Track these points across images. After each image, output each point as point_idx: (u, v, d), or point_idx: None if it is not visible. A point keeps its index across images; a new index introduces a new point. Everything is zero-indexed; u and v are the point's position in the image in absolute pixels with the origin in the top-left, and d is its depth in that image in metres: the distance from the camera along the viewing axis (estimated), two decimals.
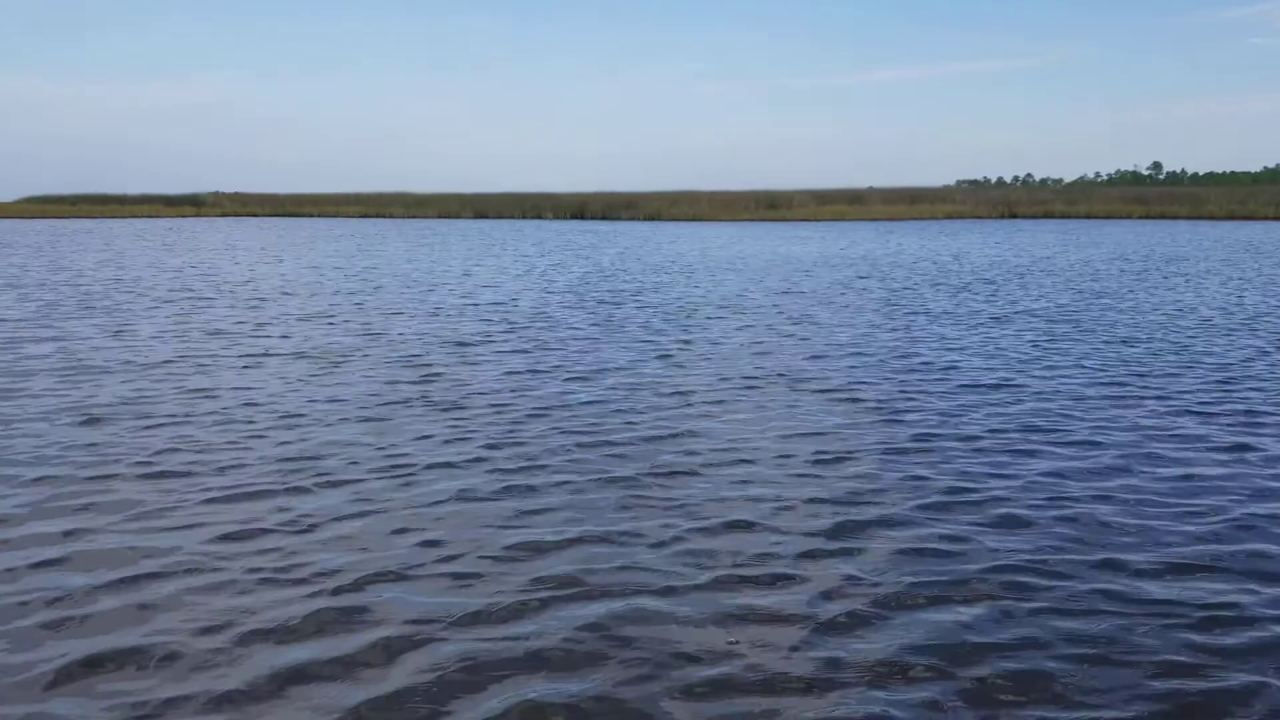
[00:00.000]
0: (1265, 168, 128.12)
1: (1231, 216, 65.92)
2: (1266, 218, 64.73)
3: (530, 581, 4.97)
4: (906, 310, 16.31)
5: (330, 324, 14.58)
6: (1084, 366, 11.11)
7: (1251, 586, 4.95)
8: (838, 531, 5.74)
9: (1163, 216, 67.33)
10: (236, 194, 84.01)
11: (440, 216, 72.63)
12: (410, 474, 6.86)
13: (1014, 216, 66.63)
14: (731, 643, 4.31)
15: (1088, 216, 67.07)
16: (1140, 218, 66.75)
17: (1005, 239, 39.18)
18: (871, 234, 43.99)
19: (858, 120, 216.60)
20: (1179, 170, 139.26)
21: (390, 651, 4.19)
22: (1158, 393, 9.68)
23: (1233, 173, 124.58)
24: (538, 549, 5.42)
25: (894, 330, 13.97)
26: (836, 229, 49.41)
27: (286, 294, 18.93)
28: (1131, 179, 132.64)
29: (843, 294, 18.93)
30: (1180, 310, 16.19)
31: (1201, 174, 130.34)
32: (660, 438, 7.89)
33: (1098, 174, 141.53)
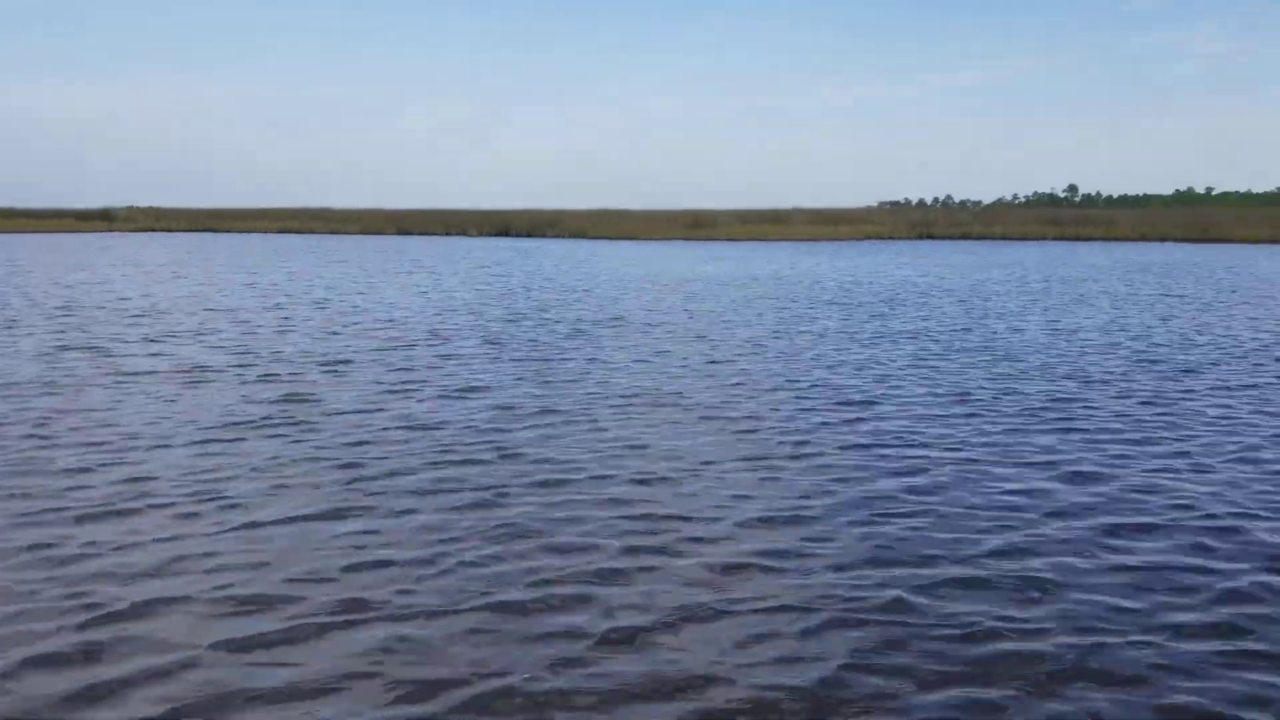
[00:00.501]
0: (1176, 190, 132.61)
1: (1142, 238, 67.88)
2: (1174, 239, 66.84)
3: (316, 606, 4.91)
4: (797, 329, 16.50)
5: (209, 342, 14.30)
6: (951, 384, 11.32)
7: (1009, 610, 5.08)
8: (648, 551, 5.77)
9: (1076, 238, 69.04)
10: (151, 208, 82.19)
11: (363, 233, 71.83)
12: (236, 497, 6.74)
13: (931, 237, 67.87)
14: (516, 667, 4.29)
15: (1003, 238, 68.57)
16: (1054, 239, 68.40)
17: (915, 260, 39.89)
18: (789, 254, 44.48)
19: (786, 141, 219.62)
20: (1094, 193, 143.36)
21: (147, 678, 4.11)
22: (1012, 409, 9.90)
23: (1145, 195, 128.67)
24: (345, 570, 5.36)
25: (779, 349, 14.11)
26: (757, 248, 49.88)
27: (168, 311, 18.54)
28: (1048, 201, 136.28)
29: (741, 313, 19.09)
30: (1062, 330, 16.60)
31: (1115, 196, 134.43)
32: (507, 458, 7.88)
33: (1015, 196, 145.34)
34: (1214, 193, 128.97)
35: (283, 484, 7.06)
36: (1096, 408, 10.10)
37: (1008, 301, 21.78)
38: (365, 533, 6.03)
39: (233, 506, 6.52)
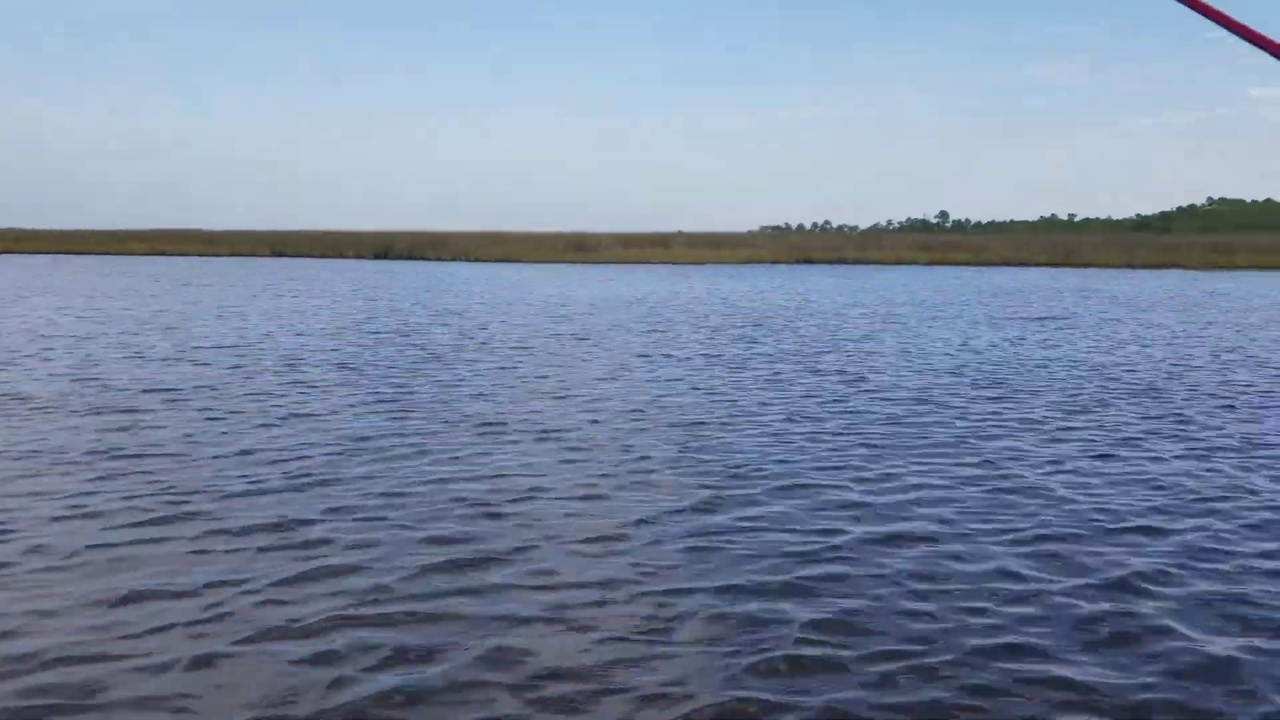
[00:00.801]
0: (1041, 217, 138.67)
1: (1007, 263, 70.45)
2: (1039, 264, 69.63)
3: (110, 636, 4.67)
4: (652, 353, 16.58)
5: (35, 370, 13.61)
6: (798, 406, 11.50)
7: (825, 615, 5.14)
8: (420, 575, 5.67)
9: (946, 263, 71.30)
10: (7, 229, 78.41)
11: (235, 254, 69.75)
12: (15, 529, 6.40)
13: (810, 261, 69.31)
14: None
15: (877, 262, 70.40)
16: (926, 263, 70.56)
17: (790, 283, 40.64)
18: (668, 277, 44.85)
19: (669, 165, 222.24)
20: (964, 219, 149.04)
21: None
22: (845, 427, 10.09)
23: (1012, 221, 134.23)
24: (144, 599, 5.12)
25: (639, 373, 14.15)
26: (638, 271, 50.16)
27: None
28: (921, 227, 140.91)
29: (609, 336, 19.10)
30: (914, 351, 17.07)
31: (984, 222, 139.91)
32: (312, 485, 7.69)
33: (890, 221, 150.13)
34: (1076, 219, 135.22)
35: (63, 515, 6.73)
36: (929, 424, 10.38)
37: (869, 324, 22.32)
38: (167, 564, 5.78)
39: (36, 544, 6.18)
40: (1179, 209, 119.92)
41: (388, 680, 4.43)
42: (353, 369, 14.09)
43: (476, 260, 62.49)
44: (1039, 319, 24.09)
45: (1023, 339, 19.40)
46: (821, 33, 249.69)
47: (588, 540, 6.47)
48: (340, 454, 8.79)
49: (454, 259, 63.97)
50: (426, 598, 5.42)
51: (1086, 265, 63.38)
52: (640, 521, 6.90)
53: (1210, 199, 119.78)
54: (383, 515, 6.95)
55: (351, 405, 11.23)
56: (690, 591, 5.58)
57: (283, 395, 11.86)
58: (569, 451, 9.08)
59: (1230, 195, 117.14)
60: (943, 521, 7.00)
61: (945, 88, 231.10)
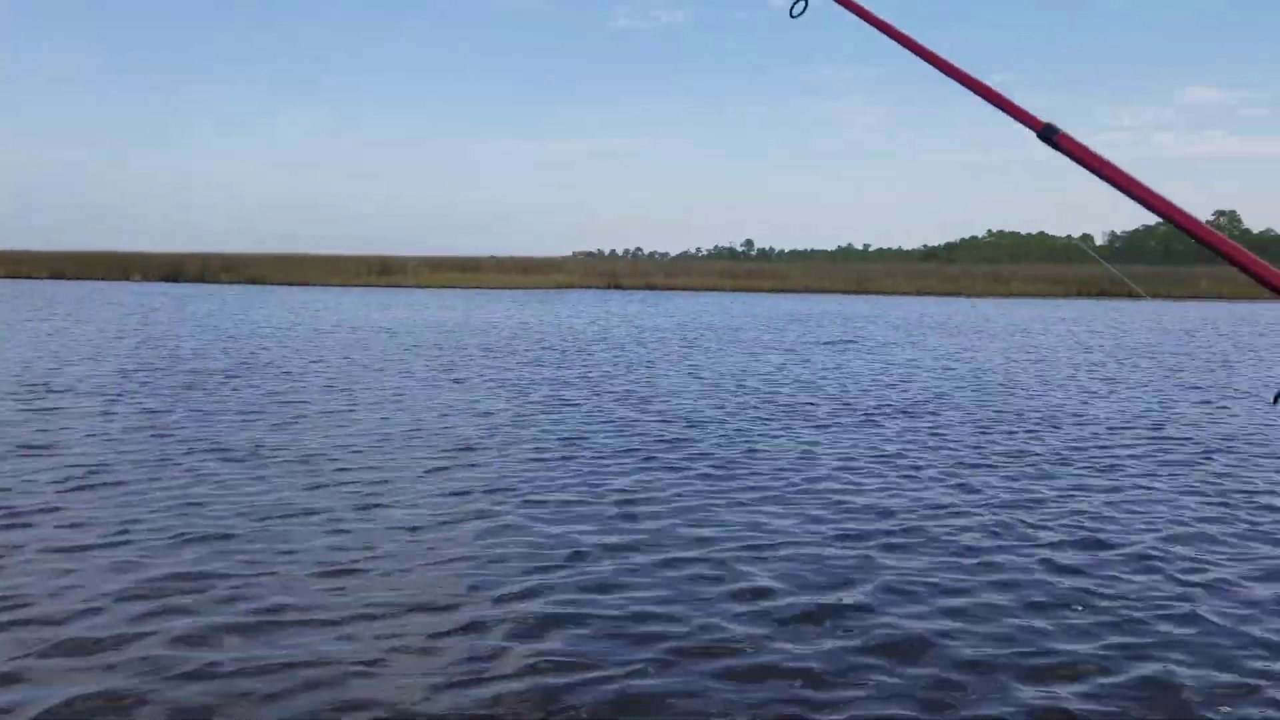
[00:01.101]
0: (839, 246, 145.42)
1: (808, 290, 73.35)
2: (836, 291, 72.74)
3: None
4: (436, 377, 16.27)
5: None
6: (569, 430, 11.46)
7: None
8: (117, 615, 5.30)
9: (750, 289, 73.52)
10: None
11: (8, 276, 64.63)
12: None
13: (619, 287, 70.16)
14: None
15: (686, 289, 71.93)
16: (732, 290, 72.58)
17: (593, 308, 40.93)
18: (474, 301, 44.35)
19: (481, 188, 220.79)
20: (769, 248, 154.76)
21: None
22: (614, 450, 10.12)
23: (813, 250, 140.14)
24: None
25: (402, 397, 13.81)
26: (444, 296, 49.39)
27: None
28: (728, 255, 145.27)
29: (391, 362, 18.62)
30: (703, 374, 17.39)
31: (788, 251, 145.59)
32: (27, 517, 7.10)
33: (699, 249, 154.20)
34: (870, 249, 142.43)
35: None
36: (699, 442, 10.55)
37: (665, 348, 22.64)
38: None
39: None
40: (962, 240, 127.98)
41: None
42: (108, 396, 13.17)
43: (274, 284, 60.10)
44: (826, 343, 25.06)
45: (808, 360, 20.10)
46: (643, 64, 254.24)
47: (324, 572, 6.18)
48: (70, 486, 8.14)
49: (250, 282, 61.34)
50: (130, 640, 5.03)
51: (879, 293, 66.63)
52: (387, 545, 6.66)
53: (990, 231, 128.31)
54: (102, 547, 6.44)
55: (95, 434, 10.47)
56: (423, 615, 5.40)
57: (23, 424, 10.97)
58: (323, 478, 8.72)
59: (1008, 228, 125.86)
60: (688, 538, 7.07)
61: (756, 121, 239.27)
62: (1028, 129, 2.43)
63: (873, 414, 13.11)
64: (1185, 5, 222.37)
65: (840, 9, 3.03)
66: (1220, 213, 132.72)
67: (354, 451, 9.96)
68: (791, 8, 3.23)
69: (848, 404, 14.03)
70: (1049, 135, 2.14)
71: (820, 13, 3.17)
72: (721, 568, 6.43)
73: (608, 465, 9.54)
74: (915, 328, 31.45)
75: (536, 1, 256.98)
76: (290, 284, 59.59)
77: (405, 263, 68.56)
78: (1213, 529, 7.64)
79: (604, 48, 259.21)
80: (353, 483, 8.58)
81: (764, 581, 6.18)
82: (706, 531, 7.28)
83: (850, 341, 25.54)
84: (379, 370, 17.08)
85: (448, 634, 5.22)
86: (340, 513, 7.58)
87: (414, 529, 7.18)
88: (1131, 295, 55.70)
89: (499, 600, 5.74)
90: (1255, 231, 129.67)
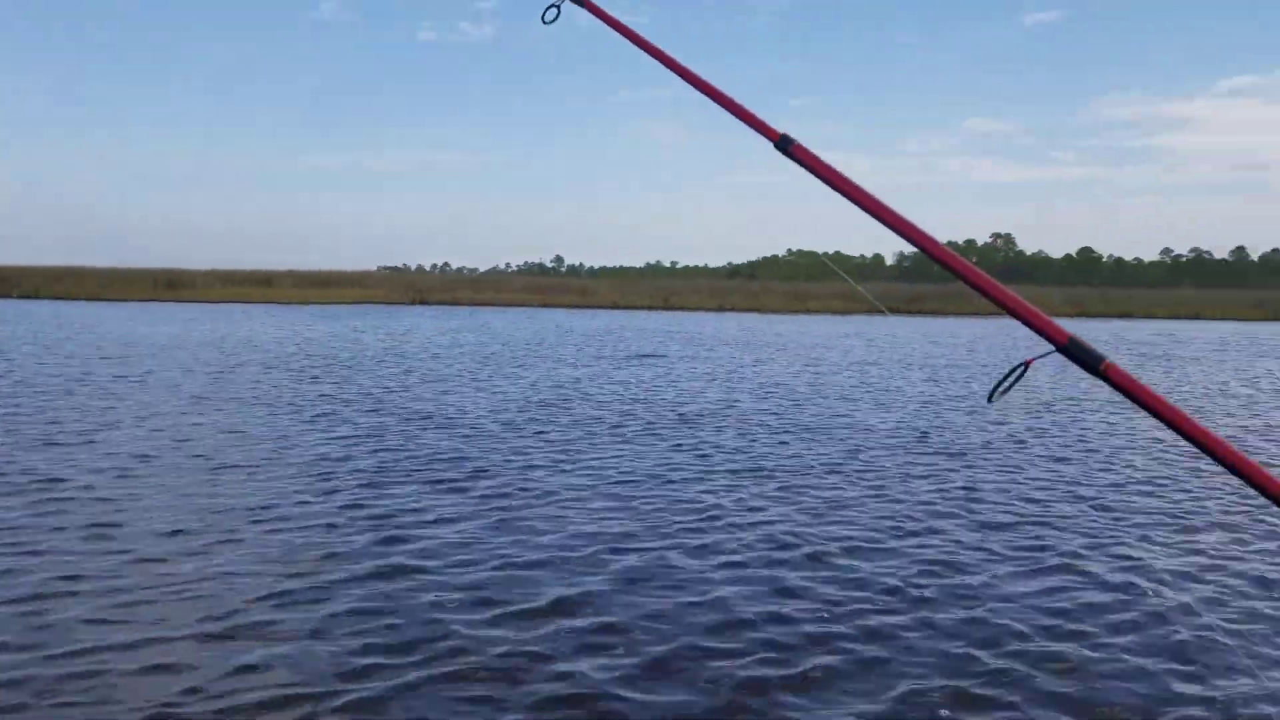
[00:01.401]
0: (647, 263, 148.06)
1: (615, 305, 74.18)
2: (643, 307, 73.88)
3: None
4: (206, 395, 15.48)
5: None
6: (322, 446, 11.09)
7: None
8: None
9: (558, 305, 73.72)
10: None
11: None
12: None
13: (425, 303, 69.00)
14: None
15: (493, 304, 71.44)
16: (540, 305, 72.59)
17: (390, 323, 40.03)
18: (265, 316, 42.56)
19: (286, 202, 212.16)
20: (578, 264, 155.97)
21: None
22: (374, 467, 9.85)
23: (622, 267, 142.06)
24: None
25: (160, 416, 13.06)
26: (237, 311, 47.18)
27: None
28: (538, 270, 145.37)
29: (159, 379, 17.59)
30: (485, 390, 17.21)
31: (597, 267, 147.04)
32: None
33: (509, 265, 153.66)
34: (679, 266, 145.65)
35: None
36: (467, 456, 10.41)
37: (460, 364, 22.31)
38: None
39: None
40: (764, 259, 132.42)
41: None
42: None
43: (47, 298, 55.95)
44: (625, 358, 25.31)
45: (600, 375, 20.22)
46: (451, 78, 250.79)
47: (33, 596, 5.71)
48: None
49: (22, 296, 56.89)
50: None
51: (684, 309, 68.03)
52: (102, 567, 6.22)
53: (790, 250, 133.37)
54: None
55: None
56: (131, 646, 5.06)
57: None
58: (61, 502, 8.10)
59: (806, 248, 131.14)
60: (424, 552, 6.93)
61: (568, 138, 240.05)
62: (765, 139, 2.47)
63: (654, 426, 13.29)
64: (969, 40, 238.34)
65: (595, 19, 3.10)
66: (997, 234, 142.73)
67: (98, 472, 9.31)
68: (544, 13, 3.30)
69: (634, 416, 14.17)
70: (785, 146, 2.19)
71: (572, 17, 3.26)
72: (478, 584, 6.34)
73: (376, 484, 9.27)
74: (711, 342, 32.22)
75: (342, 11, 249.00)
76: (70, 298, 55.62)
77: (195, 276, 65.24)
78: (942, 523, 8.10)
79: (411, 60, 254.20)
80: (96, 503, 8.00)
81: (489, 593, 6.13)
82: (466, 554, 7.16)
83: (647, 356, 25.90)
84: (141, 387, 16.08)
85: (162, 666, 4.91)
86: (71, 536, 7.04)
87: (146, 552, 6.74)
88: (874, 311, 59.36)
89: (231, 620, 5.45)
90: (1029, 253, 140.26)
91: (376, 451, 10.93)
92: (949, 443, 12.49)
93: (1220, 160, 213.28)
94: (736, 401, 16.37)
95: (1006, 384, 1.90)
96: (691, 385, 18.84)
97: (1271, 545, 7.77)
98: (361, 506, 8.33)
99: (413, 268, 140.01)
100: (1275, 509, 1.25)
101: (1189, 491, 9.72)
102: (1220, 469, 1.29)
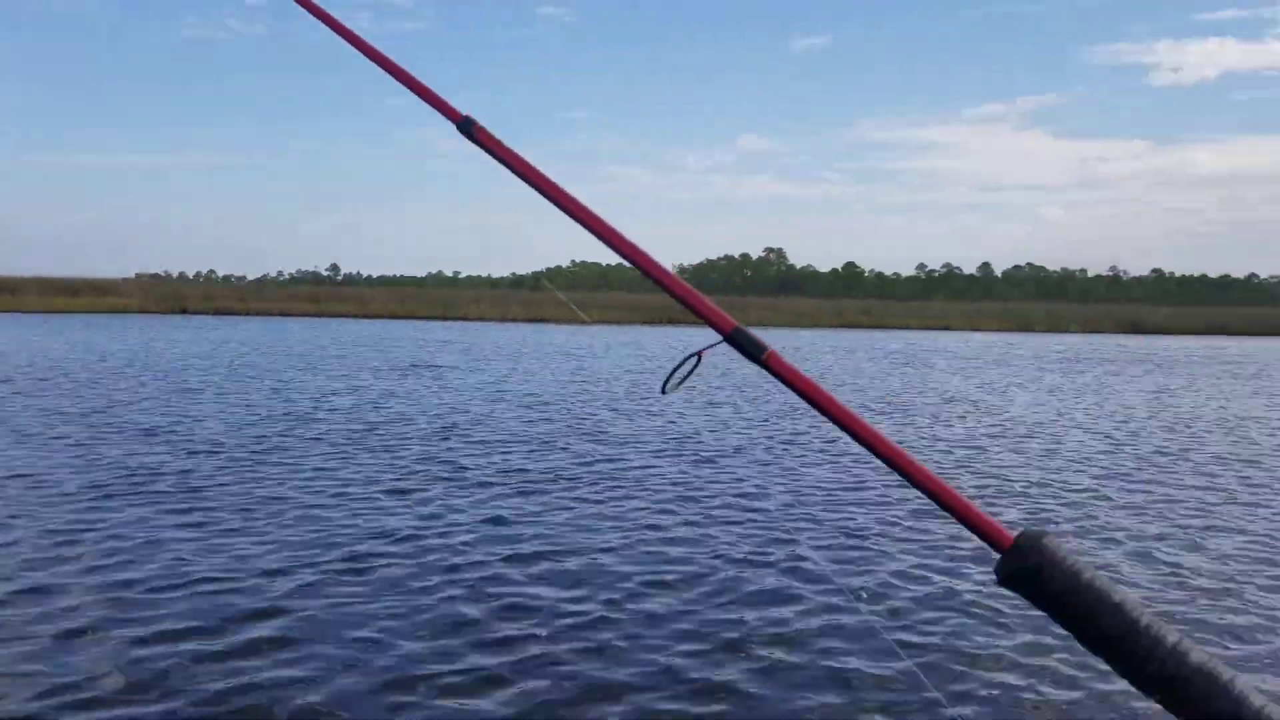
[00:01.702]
0: (429, 273, 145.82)
1: (393, 315, 72.57)
2: (422, 317, 72.61)
3: None
4: None
5: None
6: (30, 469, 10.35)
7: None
8: None
9: (332, 314, 71.41)
10: None
11: None
12: None
13: (185, 312, 65.34)
14: None
15: (262, 314, 68.43)
16: (314, 315, 70.06)
17: (141, 334, 37.71)
18: None
19: (33, 201, 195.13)
20: (355, 273, 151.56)
21: None
22: (84, 484, 9.27)
23: (402, 276, 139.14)
24: None
25: None
26: None
27: None
28: (312, 279, 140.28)
29: None
30: (234, 401, 16.48)
31: (375, 276, 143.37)
32: None
33: (281, 273, 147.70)
34: (461, 276, 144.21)
35: None
36: (190, 471, 9.96)
37: (206, 378, 21.24)
38: None
39: None
40: (548, 269, 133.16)
41: None
42: None
43: None
44: (391, 369, 24.79)
45: (359, 388, 19.74)
46: (219, 77, 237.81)
47: None
48: None
49: None
50: None
51: (464, 319, 67.46)
52: None
53: (574, 261, 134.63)
54: None
55: None
56: None
57: None
58: None
59: (590, 260, 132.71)
60: (142, 582, 6.59)
61: (345, 145, 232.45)
62: (450, 121, 2.48)
63: (389, 441, 13.04)
64: (744, 61, 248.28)
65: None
66: (769, 249, 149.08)
67: None
68: None
69: (375, 429, 13.91)
70: (467, 128, 2.20)
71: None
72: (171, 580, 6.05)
73: (83, 497, 8.70)
74: (485, 353, 32.03)
75: (98, 3, 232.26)
76: None
77: None
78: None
79: (174, 57, 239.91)
80: None
81: (178, 615, 5.90)
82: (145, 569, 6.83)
83: (415, 366, 25.47)
84: None
85: None
86: None
87: None
88: (575, 320, 61.24)
89: None
90: (799, 267, 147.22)
91: (94, 470, 10.26)
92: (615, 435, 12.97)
93: (969, 182, 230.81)
94: (490, 411, 16.38)
95: (680, 375, 1.91)
96: (452, 397, 18.68)
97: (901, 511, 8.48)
98: (78, 526, 7.80)
99: (175, 275, 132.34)
100: (910, 485, 1.44)
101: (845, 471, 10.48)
102: (869, 452, 1.46)
